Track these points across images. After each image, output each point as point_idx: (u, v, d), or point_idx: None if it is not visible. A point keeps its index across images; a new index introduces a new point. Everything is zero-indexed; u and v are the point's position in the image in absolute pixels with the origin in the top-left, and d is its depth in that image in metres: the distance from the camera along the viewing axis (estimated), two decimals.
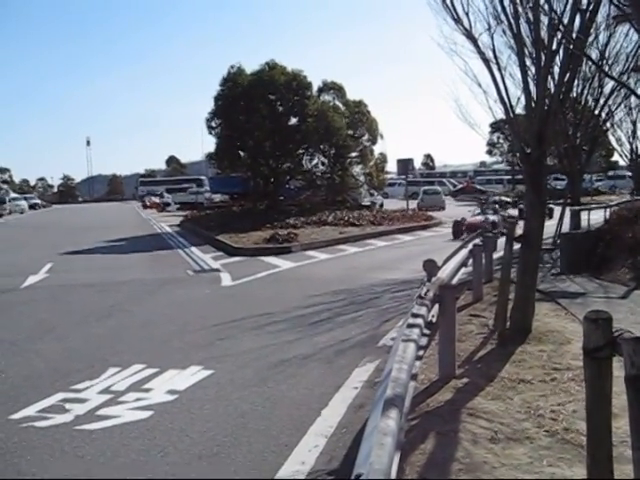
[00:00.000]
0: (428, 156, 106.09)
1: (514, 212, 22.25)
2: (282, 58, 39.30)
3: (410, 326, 4.29)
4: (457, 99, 8.97)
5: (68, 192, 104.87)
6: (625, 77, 14.59)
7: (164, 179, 79.11)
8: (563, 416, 4.79)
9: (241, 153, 30.73)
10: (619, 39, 14.18)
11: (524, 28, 7.27)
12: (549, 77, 7.42)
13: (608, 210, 17.22)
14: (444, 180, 62.00)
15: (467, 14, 7.31)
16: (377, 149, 34.17)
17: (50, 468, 4.41)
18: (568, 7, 6.83)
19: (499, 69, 7.33)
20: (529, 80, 7.23)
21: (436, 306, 5.70)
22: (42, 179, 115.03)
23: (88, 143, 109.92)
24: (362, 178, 33.71)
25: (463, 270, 9.25)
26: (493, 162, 76.93)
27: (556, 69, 7.47)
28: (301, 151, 30.99)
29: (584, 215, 16.20)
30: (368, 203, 33.26)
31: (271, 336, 7.99)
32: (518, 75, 7.54)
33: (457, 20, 7.37)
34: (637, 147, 22.01)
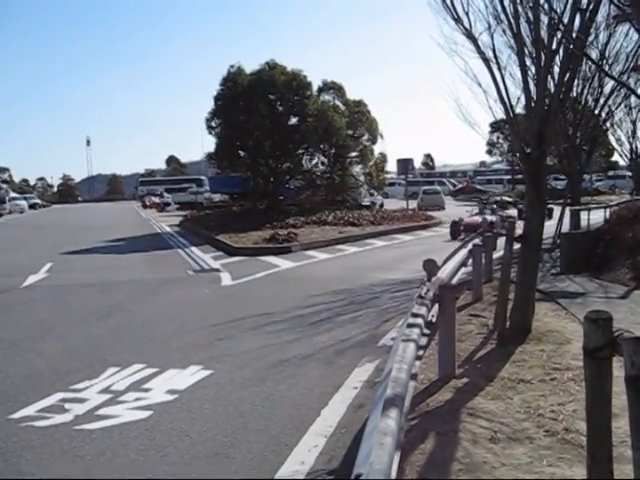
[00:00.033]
0: (428, 156, 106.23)
1: (512, 212, 22.24)
2: (282, 58, 39.35)
3: (410, 326, 4.29)
4: (457, 99, 8.96)
5: (68, 192, 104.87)
6: (625, 77, 14.58)
7: (164, 179, 79.13)
8: (563, 416, 4.79)
9: (241, 153, 30.71)
10: (619, 39, 14.20)
11: (524, 28, 7.28)
12: (549, 77, 7.41)
13: (608, 210, 17.22)
14: (444, 180, 62.07)
15: (467, 14, 7.31)
16: (377, 149, 34.25)
17: (50, 468, 4.40)
18: (568, 7, 6.83)
19: (499, 69, 7.33)
20: (529, 80, 7.24)
21: (436, 306, 5.70)
22: (42, 179, 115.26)
23: (88, 143, 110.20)
24: (362, 178, 33.71)
25: (463, 270, 9.25)
26: (493, 162, 76.97)
27: (556, 69, 7.47)
28: (301, 151, 30.99)
29: (584, 215, 16.20)
30: (368, 203, 33.26)
31: (271, 336, 7.99)
32: (518, 75, 7.55)
33: (457, 20, 7.37)
34: (637, 147, 22.03)
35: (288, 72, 29.39)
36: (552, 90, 7.47)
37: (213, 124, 30.45)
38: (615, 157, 40.32)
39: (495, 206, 21.86)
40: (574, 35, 6.75)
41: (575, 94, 14.51)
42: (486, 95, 7.83)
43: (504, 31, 7.86)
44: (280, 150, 29.71)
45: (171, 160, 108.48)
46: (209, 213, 33.36)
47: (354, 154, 32.24)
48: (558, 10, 6.92)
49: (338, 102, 31.67)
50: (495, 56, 7.34)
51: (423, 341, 4.91)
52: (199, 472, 4.27)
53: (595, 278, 11.17)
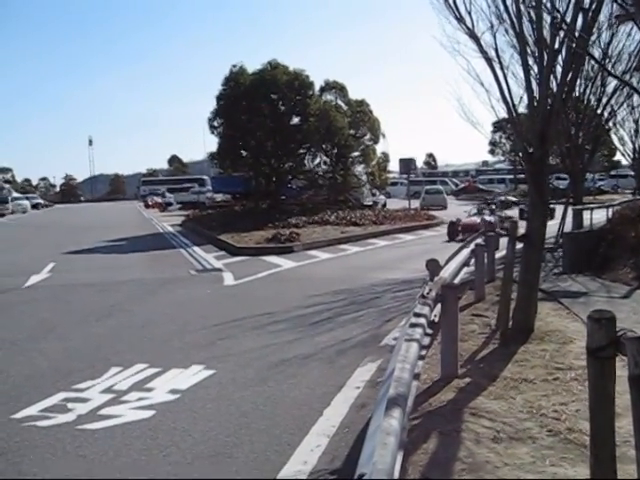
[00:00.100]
0: (430, 155, 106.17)
1: (510, 212, 22.14)
2: (282, 58, 39.47)
3: (413, 325, 4.29)
4: (459, 98, 8.95)
5: (70, 192, 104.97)
6: (628, 76, 14.54)
7: (166, 179, 79.21)
8: (566, 416, 4.78)
9: (243, 153, 30.73)
10: (621, 38, 14.17)
11: (526, 27, 7.26)
12: (552, 76, 7.40)
13: (610, 209, 17.19)
14: (446, 179, 62.01)
15: (469, 13, 7.30)
16: (379, 148, 34.19)
17: (52, 468, 4.40)
18: (571, 6, 6.82)
19: (502, 68, 7.31)
20: (532, 79, 7.22)
21: (438, 306, 5.69)
22: (44, 179, 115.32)
23: (90, 143, 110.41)
24: (364, 178, 33.68)
25: (465, 269, 9.24)
26: (495, 161, 76.83)
27: (558, 68, 7.45)
28: (303, 151, 30.99)
29: (586, 214, 16.17)
30: (370, 203, 33.24)
31: (272, 336, 7.99)
32: (521, 74, 7.54)
33: (459, 19, 7.36)
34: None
35: (290, 72, 29.38)
36: (555, 89, 7.46)
37: (215, 124, 30.47)
38: (617, 156, 40.21)
39: (494, 206, 21.76)
40: (577, 34, 6.74)
41: (578, 94, 14.49)
42: (489, 94, 7.82)
43: (506, 30, 7.85)
44: (282, 150, 29.71)
45: (173, 160, 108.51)
46: (211, 213, 33.38)
47: (356, 154, 32.23)
48: (561, 9, 6.91)
49: (340, 102, 31.65)
50: (498, 55, 7.34)
51: (426, 341, 4.90)
52: (201, 472, 4.27)
53: (597, 278, 11.16)
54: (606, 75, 14.48)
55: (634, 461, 2.93)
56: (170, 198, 55.50)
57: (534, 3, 6.98)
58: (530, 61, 7.31)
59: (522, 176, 40.52)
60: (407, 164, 32.78)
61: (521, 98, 7.71)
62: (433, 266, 6.40)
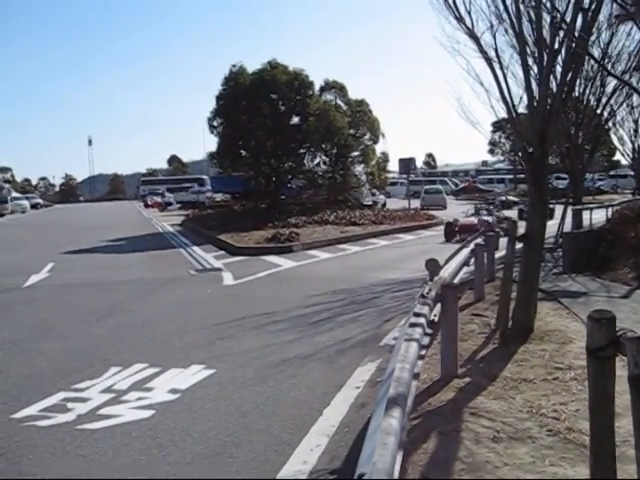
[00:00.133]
0: (430, 155, 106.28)
1: (508, 213, 22.12)
2: (282, 58, 39.37)
3: (412, 325, 4.29)
4: (459, 98, 8.96)
5: (70, 191, 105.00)
6: (627, 76, 14.55)
7: (166, 178, 79.22)
8: (565, 415, 4.78)
9: (243, 152, 30.72)
10: (621, 38, 14.18)
11: (526, 27, 7.26)
12: (551, 76, 7.40)
13: (610, 209, 17.20)
14: (446, 179, 62.02)
15: (469, 13, 7.30)
16: (379, 148, 34.18)
17: (51, 468, 4.40)
18: (570, 6, 6.82)
19: (501, 68, 7.31)
20: (531, 79, 7.22)
21: (438, 305, 5.69)
22: (44, 178, 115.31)
23: (90, 142, 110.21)
24: (364, 177, 33.68)
25: (465, 269, 9.24)
26: (495, 161, 76.90)
27: (558, 68, 7.45)
28: (303, 150, 30.98)
29: (586, 214, 16.18)
30: (370, 202, 33.27)
31: (272, 335, 7.99)
32: (520, 74, 7.53)
33: (459, 19, 7.36)
34: (639, 146, 21.95)
35: (290, 72, 29.38)
36: (554, 89, 7.46)
37: (215, 123, 30.47)
38: (617, 156, 40.20)
39: (494, 207, 21.73)
40: (576, 34, 6.74)
41: (577, 93, 14.49)
42: (488, 94, 7.83)
43: (506, 30, 7.85)
44: (282, 149, 29.70)
45: (173, 160, 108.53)
46: (211, 212, 33.41)
47: (356, 154, 32.22)
48: (560, 9, 6.91)
49: (340, 102, 31.63)
50: (497, 55, 7.34)
51: (425, 340, 4.90)
52: (201, 472, 4.26)
53: (597, 277, 11.16)
54: (606, 75, 14.48)
55: (634, 461, 2.93)
56: (170, 198, 55.50)
57: (534, 3, 6.98)
58: (530, 61, 7.31)
59: (522, 176, 40.51)
60: (407, 164, 32.78)
61: (521, 98, 7.71)
62: (433, 266, 6.40)
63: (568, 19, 6.75)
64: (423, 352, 4.82)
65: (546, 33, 7.05)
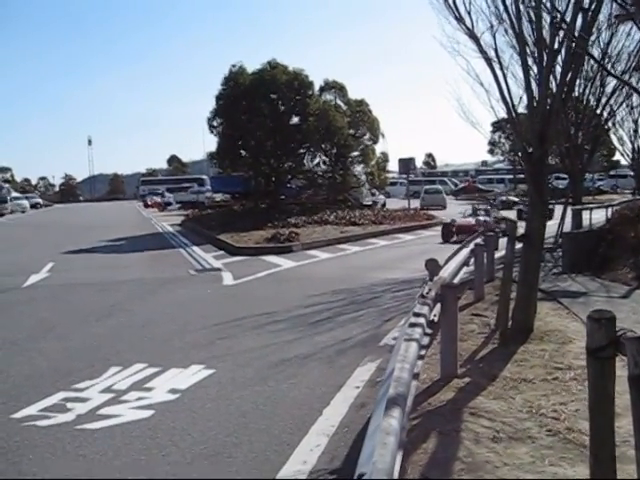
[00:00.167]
0: (429, 155, 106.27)
1: (507, 213, 22.07)
2: (282, 58, 39.32)
3: (412, 325, 4.29)
4: (459, 98, 8.96)
5: (69, 191, 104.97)
6: (627, 76, 14.56)
7: (165, 178, 79.21)
8: (565, 415, 4.78)
9: (242, 152, 30.72)
10: (621, 38, 14.20)
11: (526, 27, 7.27)
12: (551, 76, 7.40)
13: (610, 209, 17.20)
14: (445, 179, 62.03)
15: (469, 13, 7.30)
16: (378, 148, 34.21)
17: (51, 467, 4.40)
18: (570, 6, 6.82)
19: (501, 68, 7.32)
20: (531, 79, 7.22)
21: (438, 305, 5.70)
22: (44, 178, 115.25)
23: (90, 142, 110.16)
24: (363, 177, 33.69)
25: (465, 269, 9.24)
26: (495, 161, 76.90)
27: (558, 68, 7.46)
28: (302, 150, 30.98)
29: (586, 214, 16.18)
30: (369, 202, 33.28)
31: (272, 335, 7.99)
32: (520, 74, 7.54)
33: (459, 19, 7.36)
34: (639, 146, 21.96)
35: (290, 72, 29.38)
36: (554, 90, 7.46)
37: (215, 123, 30.47)
38: (617, 156, 40.18)
39: (491, 207, 21.66)
40: (576, 34, 6.74)
41: (577, 94, 14.50)
42: (488, 95, 7.83)
43: (506, 31, 7.85)
44: (282, 149, 29.71)
45: (173, 160, 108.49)
46: (211, 212, 33.41)
47: (356, 154, 32.22)
48: (560, 9, 6.91)
49: (340, 102, 31.64)
50: (497, 56, 7.34)
51: (425, 340, 4.90)
52: (201, 472, 4.26)
53: (597, 277, 11.16)
54: (605, 75, 14.49)
55: (634, 461, 2.94)
56: (169, 198, 55.50)
57: (534, 3, 6.98)
58: (530, 61, 7.31)
59: (521, 176, 40.49)
60: (406, 164, 32.79)
61: (520, 98, 7.73)
62: (432, 266, 6.40)
63: (568, 19, 6.75)
64: (423, 352, 4.83)
65: (546, 33, 7.05)
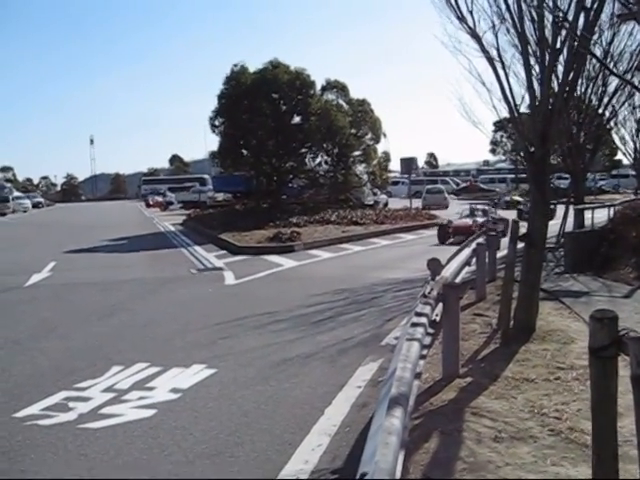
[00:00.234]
0: (431, 155, 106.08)
1: (505, 214, 21.99)
2: (284, 57, 39.37)
3: (414, 325, 4.29)
4: (461, 98, 8.96)
5: (71, 191, 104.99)
6: (629, 75, 14.54)
7: (167, 178, 79.19)
8: (567, 415, 4.77)
9: (244, 152, 30.75)
10: (623, 38, 14.19)
11: (528, 27, 7.25)
12: (553, 76, 7.39)
13: (612, 209, 17.18)
14: (447, 179, 61.97)
15: (471, 12, 7.30)
16: (380, 148, 34.15)
17: (53, 467, 4.41)
18: (572, 5, 6.81)
19: (503, 68, 7.32)
20: (533, 79, 7.22)
21: (440, 305, 5.69)
22: (45, 178, 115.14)
23: (92, 142, 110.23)
24: (365, 177, 33.68)
25: (466, 269, 9.23)
26: (496, 161, 76.74)
27: (560, 68, 7.45)
28: (304, 150, 30.98)
29: (588, 214, 16.17)
30: (371, 202, 33.27)
31: (274, 335, 7.99)
32: (522, 74, 7.55)
33: (461, 18, 7.36)
34: None
35: (291, 71, 29.39)
36: (556, 89, 7.46)
37: (216, 123, 30.51)
38: (619, 156, 40.10)
39: (489, 207, 21.57)
40: (578, 33, 6.73)
41: (579, 93, 14.48)
42: (490, 94, 7.82)
43: (508, 30, 7.83)
44: (283, 149, 29.71)
45: (174, 159, 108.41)
46: (212, 212, 33.41)
47: (357, 153, 32.20)
48: (562, 8, 6.90)
49: (341, 101, 31.61)
50: (499, 55, 7.34)
51: (427, 340, 4.90)
52: (202, 471, 4.26)
53: (599, 277, 11.15)
54: (607, 74, 14.47)
55: (636, 461, 2.94)
56: (171, 197, 55.54)
57: (536, 2, 6.97)
58: (532, 61, 7.30)
59: (523, 176, 40.44)
60: (408, 163, 32.77)
61: (523, 98, 7.71)
62: (434, 265, 6.40)
63: (570, 18, 6.74)
64: (425, 352, 4.82)
65: (548, 32, 7.04)
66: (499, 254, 11.46)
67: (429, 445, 4.39)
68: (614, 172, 53.01)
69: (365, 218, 25.16)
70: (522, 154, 8.48)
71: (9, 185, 67.77)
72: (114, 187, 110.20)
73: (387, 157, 35.88)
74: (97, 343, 7.88)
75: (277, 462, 4.32)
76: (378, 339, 7.61)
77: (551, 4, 6.84)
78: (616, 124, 19.88)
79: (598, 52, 13.03)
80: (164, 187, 63.73)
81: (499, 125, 49.13)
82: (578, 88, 13.38)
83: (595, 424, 3.18)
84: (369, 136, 32.46)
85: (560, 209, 17.78)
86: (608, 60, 13.69)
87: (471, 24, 7.30)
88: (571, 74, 7.22)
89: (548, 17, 7.04)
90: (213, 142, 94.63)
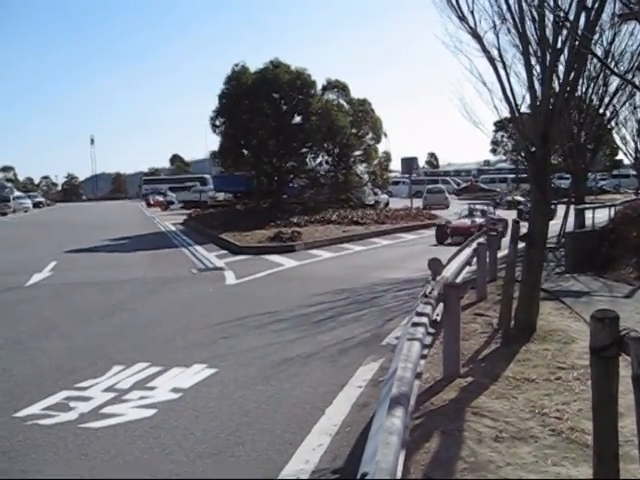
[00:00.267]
0: (432, 155, 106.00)
1: (504, 214, 21.94)
2: (284, 57, 39.35)
3: (415, 325, 4.29)
4: (462, 97, 8.98)
5: (72, 190, 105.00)
6: (630, 75, 14.54)
7: (168, 177, 79.18)
8: (568, 415, 4.77)
9: (245, 151, 30.76)
10: (624, 38, 14.20)
11: (529, 26, 7.26)
12: (554, 76, 7.39)
13: (612, 209, 17.17)
14: (448, 179, 61.95)
15: (472, 12, 7.29)
16: (381, 148, 34.15)
17: (54, 466, 4.41)
18: (573, 5, 6.81)
19: (504, 68, 7.32)
20: (534, 79, 7.22)
21: (440, 305, 5.69)
22: (46, 177, 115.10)
23: (92, 142, 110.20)
24: (366, 177, 33.67)
25: (467, 269, 9.23)
26: (497, 161, 76.70)
27: (561, 68, 7.45)
28: (305, 150, 30.98)
29: (588, 214, 16.16)
30: (372, 202, 33.26)
31: (274, 335, 7.99)
32: (523, 74, 7.55)
33: (462, 18, 7.36)
34: None
35: (292, 71, 29.38)
36: (557, 89, 7.45)
37: (217, 123, 30.50)
38: (620, 156, 40.04)
39: (489, 207, 21.51)
40: (579, 33, 6.72)
41: (580, 93, 14.48)
42: (491, 94, 7.83)
43: (509, 30, 7.84)
44: (284, 149, 29.71)
45: (175, 159, 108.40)
46: (213, 212, 33.42)
47: (358, 153, 32.19)
48: (563, 8, 6.89)
49: (342, 101, 31.61)
50: (500, 55, 7.34)
51: (428, 340, 4.90)
52: (203, 471, 4.27)
53: (600, 277, 11.14)
54: (608, 74, 14.48)
55: (637, 460, 2.94)
56: (172, 197, 55.56)
57: (537, 2, 6.97)
58: (532, 60, 7.30)
59: (524, 176, 40.43)
60: (409, 163, 32.78)
61: (523, 97, 7.71)
62: (435, 265, 6.40)
63: (571, 18, 6.74)
64: (426, 351, 4.82)
65: (549, 32, 7.04)
66: (500, 254, 11.46)
67: (430, 445, 4.39)
68: (615, 172, 52.96)
69: (366, 218, 25.15)
70: (523, 154, 8.48)
71: (10, 185, 67.89)
72: (115, 187, 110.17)
73: (388, 157, 35.90)
74: (98, 343, 7.89)
75: (278, 462, 4.32)
76: (379, 339, 7.60)
77: (552, 4, 6.83)
78: (617, 124, 19.87)
79: (599, 52, 13.06)
80: (165, 187, 63.76)
81: (500, 125, 49.19)
82: (579, 88, 13.40)
83: (596, 424, 3.18)
84: (370, 136, 32.45)
85: (561, 209, 17.77)
86: (609, 60, 13.70)
87: (472, 24, 7.30)
88: (572, 74, 7.21)
89: (549, 17, 7.04)
90: (214, 142, 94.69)
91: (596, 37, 11.41)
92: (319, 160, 32.20)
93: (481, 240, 9.98)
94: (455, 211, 22.20)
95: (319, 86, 30.62)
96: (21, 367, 6.86)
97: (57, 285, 12.75)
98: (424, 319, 4.53)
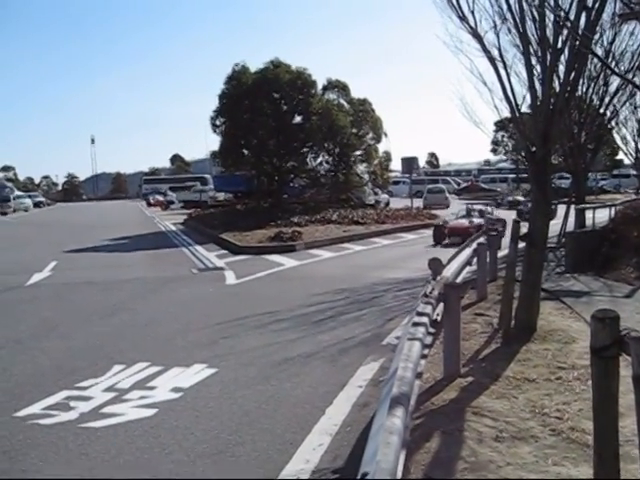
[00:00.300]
0: (432, 154, 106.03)
1: (504, 214, 21.91)
2: (285, 57, 39.30)
3: (415, 324, 4.29)
4: (462, 97, 8.99)
5: (72, 190, 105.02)
6: (631, 75, 14.54)
7: (168, 177, 79.18)
8: (568, 415, 4.77)
9: (245, 151, 30.74)
10: (624, 38, 14.20)
11: (529, 26, 7.26)
12: (554, 75, 7.39)
13: (613, 209, 17.17)
14: (448, 178, 61.93)
15: (472, 12, 7.30)
16: (381, 147, 34.11)
17: (54, 466, 4.41)
18: (574, 4, 6.81)
19: (505, 68, 7.32)
20: (534, 79, 7.22)
21: (441, 305, 5.69)
22: (46, 177, 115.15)
23: (92, 141, 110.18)
24: (366, 176, 33.66)
25: (467, 269, 9.23)
26: (497, 160, 76.64)
27: (561, 68, 7.45)
28: (305, 149, 30.97)
29: (589, 214, 16.16)
30: (372, 202, 33.25)
31: (275, 334, 7.99)
32: (523, 74, 7.55)
33: (462, 18, 7.36)
34: None
35: (292, 71, 29.38)
36: (557, 89, 7.45)
37: (218, 122, 30.50)
38: (620, 156, 40.02)
39: (489, 207, 21.49)
40: (580, 33, 6.72)
41: (580, 93, 14.48)
42: (491, 94, 7.84)
43: (509, 30, 7.84)
44: (284, 149, 29.71)
45: (175, 159, 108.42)
46: (213, 212, 33.42)
47: (358, 153, 32.18)
48: (564, 8, 6.89)
49: (342, 101, 31.60)
50: (501, 55, 7.34)
51: (428, 340, 4.90)
52: (204, 471, 4.27)
53: (600, 277, 11.13)
54: (609, 74, 14.48)
55: (637, 460, 2.94)
56: (172, 197, 55.56)
57: (537, 2, 6.97)
58: (533, 60, 7.30)
59: (524, 175, 40.42)
60: (410, 163, 32.78)
61: (524, 97, 7.72)
62: (435, 265, 6.40)
63: (572, 18, 6.74)
64: (426, 351, 4.82)
65: (549, 32, 7.04)
66: (500, 254, 11.46)
67: (430, 445, 4.39)
68: (615, 172, 52.91)
69: (366, 218, 25.15)
70: (523, 154, 8.48)
71: (10, 184, 67.91)
72: (115, 186, 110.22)
73: (388, 157, 35.88)
74: (98, 342, 7.89)
75: (278, 462, 4.32)
76: (379, 339, 7.60)
77: (552, 3, 6.84)
78: (617, 124, 19.88)
79: (599, 52, 13.06)
80: (165, 186, 63.78)
81: (500, 125, 49.15)
82: (579, 88, 13.40)
83: (596, 424, 3.18)
84: (370, 136, 32.44)
85: (561, 209, 17.75)
86: (609, 60, 13.69)
87: (472, 24, 7.30)
88: (572, 74, 7.21)
89: (549, 17, 7.04)
90: (214, 142, 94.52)
91: (596, 37, 11.42)
92: (319, 160, 32.22)
93: (481, 240, 9.98)
94: (453, 211, 22.14)
95: (319, 86, 30.65)
96: (21, 367, 6.86)
97: (57, 285, 12.76)
98: (424, 319, 4.53)
